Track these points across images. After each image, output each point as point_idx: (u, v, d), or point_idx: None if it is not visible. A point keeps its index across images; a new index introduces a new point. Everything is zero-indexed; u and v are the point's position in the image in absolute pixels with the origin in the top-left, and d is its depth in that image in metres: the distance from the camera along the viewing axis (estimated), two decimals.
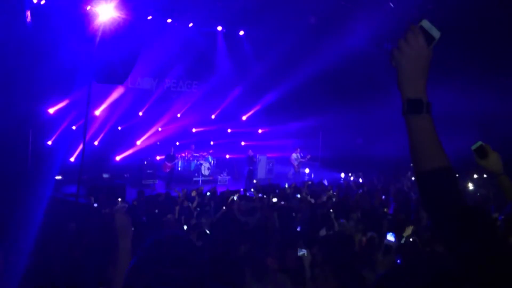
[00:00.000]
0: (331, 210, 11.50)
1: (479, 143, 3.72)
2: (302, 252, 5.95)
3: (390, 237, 9.02)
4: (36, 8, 17.76)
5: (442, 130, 1.92)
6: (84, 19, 17.69)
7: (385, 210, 13.25)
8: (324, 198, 14.69)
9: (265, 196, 14.50)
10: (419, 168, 1.80)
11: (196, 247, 1.81)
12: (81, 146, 12.67)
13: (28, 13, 15.02)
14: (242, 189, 16.37)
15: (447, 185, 1.76)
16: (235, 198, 13.66)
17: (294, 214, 11.71)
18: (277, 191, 16.39)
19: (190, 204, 12.60)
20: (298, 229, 10.25)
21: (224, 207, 12.07)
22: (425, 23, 1.83)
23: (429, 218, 1.87)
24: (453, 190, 1.76)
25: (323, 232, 9.32)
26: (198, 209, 12.23)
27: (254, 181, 17.77)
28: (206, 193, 14.58)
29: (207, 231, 9.69)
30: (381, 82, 22.34)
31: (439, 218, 1.74)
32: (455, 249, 1.69)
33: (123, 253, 2.97)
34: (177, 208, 11.82)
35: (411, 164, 1.86)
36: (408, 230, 8.74)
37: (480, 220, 1.68)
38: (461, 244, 1.67)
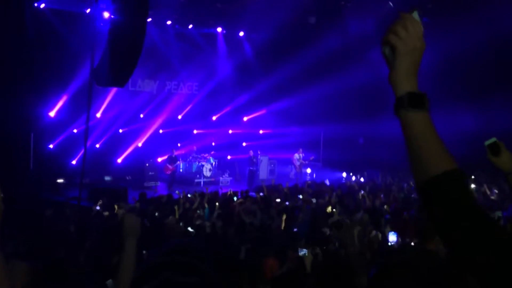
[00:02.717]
0: (334, 210, 11.46)
1: (494, 139, 3.65)
2: (303, 252, 5.90)
3: (393, 236, 9.02)
4: (35, 11, 17.80)
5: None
6: (84, 22, 17.74)
7: (386, 208, 13.21)
8: (326, 198, 14.69)
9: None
10: (426, 174, 1.51)
11: (206, 254, 1.80)
12: (83, 149, 12.64)
13: None
14: (242, 191, 16.31)
15: (462, 187, 1.50)
16: (235, 199, 13.68)
17: (296, 214, 11.72)
18: (280, 192, 16.38)
19: (191, 206, 12.61)
20: (297, 229, 10.24)
21: (225, 209, 12.07)
22: (416, 15, 1.63)
23: (439, 230, 1.52)
24: (469, 193, 1.50)
25: (326, 231, 9.30)
26: (198, 211, 12.21)
27: (262, 182, 17.72)
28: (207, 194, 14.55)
29: (210, 233, 9.71)
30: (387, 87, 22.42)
31: (455, 228, 1.47)
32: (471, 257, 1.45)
33: (128, 255, 2.93)
34: (178, 209, 11.82)
35: (413, 174, 1.57)
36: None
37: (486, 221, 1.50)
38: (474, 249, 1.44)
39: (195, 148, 23.95)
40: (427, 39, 1.64)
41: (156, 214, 11.81)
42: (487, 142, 3.63)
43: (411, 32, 1.60)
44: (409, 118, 1.58)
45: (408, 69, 1.61)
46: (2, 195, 1.83)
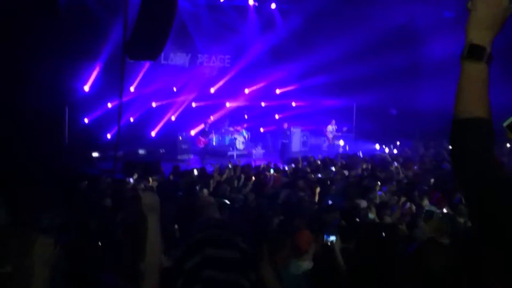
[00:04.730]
0: (378, 182, 11.32)
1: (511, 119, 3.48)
2: (332, 238, 5.20)
3: (430, 208, 8.91)
4: None
5: None
6: None
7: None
8: (359, 170, 14.60)
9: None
10: (459, 115, 1.67)
11: (245, 230, 1.83)
12: (117, 123, 12.76)
13: None
14: (273, 163, 16.28)
15: (484, 138, 1.65)
16: (272, 171, 13.68)
17: (329, 186, 11.67)
18: (310, 163, 16.33)
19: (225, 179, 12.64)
20: (331, 201, 10.17)
21: (256, 181, 12.08)
22: None
23: (455, 174, 1.70)
24: (489, 145, 1.64)
25: (364, 204, 9.22)
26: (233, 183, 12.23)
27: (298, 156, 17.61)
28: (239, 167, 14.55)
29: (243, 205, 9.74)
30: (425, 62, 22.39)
31: (468, 173, 1.63)
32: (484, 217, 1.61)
33: (151, 232, 2.93)
34: (211, 182, 11.85)
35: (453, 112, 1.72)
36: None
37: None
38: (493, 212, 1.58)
39: (228, 121, 24.02)
40: None
41: (189, 187, 11.86)
42: (505, 123, 3.46)
43: None
44: (465, 66, 1.71)
45: (481, 22, 1.70)
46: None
